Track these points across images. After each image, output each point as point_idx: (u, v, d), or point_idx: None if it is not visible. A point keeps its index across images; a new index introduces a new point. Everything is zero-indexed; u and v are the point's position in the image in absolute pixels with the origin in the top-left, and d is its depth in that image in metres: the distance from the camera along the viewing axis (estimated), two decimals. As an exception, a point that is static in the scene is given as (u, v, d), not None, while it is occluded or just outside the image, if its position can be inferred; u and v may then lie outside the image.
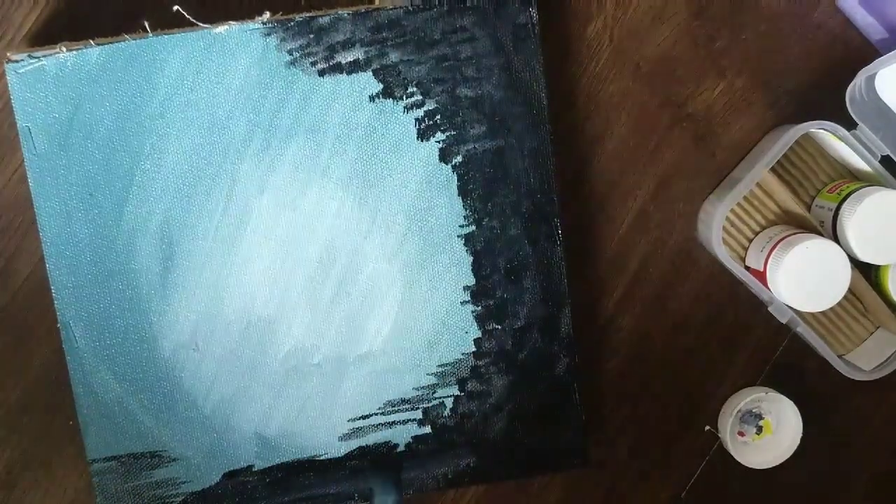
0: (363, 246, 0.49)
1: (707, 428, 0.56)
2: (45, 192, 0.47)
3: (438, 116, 0.49)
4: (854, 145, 0.52)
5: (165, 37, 0.47)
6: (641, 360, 0.56)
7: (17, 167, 0.51)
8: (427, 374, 0.50)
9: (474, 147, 0.49)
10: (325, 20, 0.47)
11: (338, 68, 0.48)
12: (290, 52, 0.47)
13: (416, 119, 0.49)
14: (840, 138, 0.51)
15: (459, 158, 0.49)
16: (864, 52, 0.55)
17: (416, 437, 0.50)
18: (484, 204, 0.49)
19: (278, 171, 0.48)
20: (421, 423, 0.50)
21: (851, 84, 0.51)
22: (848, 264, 0.50)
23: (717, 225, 0.51)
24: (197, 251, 0.48)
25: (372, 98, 0.48)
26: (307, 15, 0.48)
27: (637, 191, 0.55)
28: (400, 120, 0.49)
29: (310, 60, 0.48)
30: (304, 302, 0.49)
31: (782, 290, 0.50)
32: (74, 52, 0.46)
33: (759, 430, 0.55)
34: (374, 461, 0.49)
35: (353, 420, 0.50)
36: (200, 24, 0.47)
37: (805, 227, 0.53)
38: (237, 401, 0.49)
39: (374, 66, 0.48)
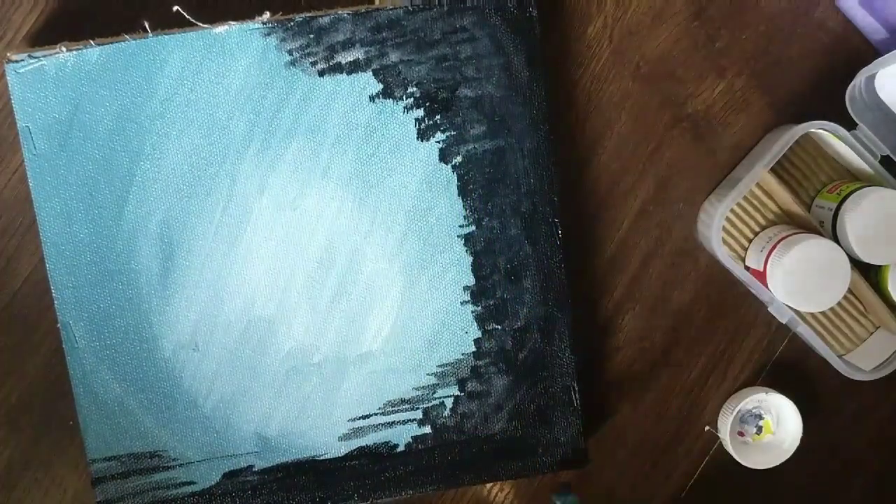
0: (363, 246, 0.49)
1: (707, 428, 0.56)
2: (45, 193, 0.47)
3: (438, 116, 0.49)
4: (854, 145, 0.52)
5: (165, 37, 0.47)
6: (641, 360, 0.56)
7: (17, 167, 0.51)
8: (427, 374, 0.50)
9: (474, 147, 0.49)
10: (325, 20, 0.47)
11: (338, 68, 0.48)
12: (290, 52, 0.47)
13: (416, 119, 0.49)
14: (840, 138, 0.51)
15: (459, 158, 0.49)
16: (864, 52, 0.55)
17: (416, 437, 0.50)
18: (484, 204, 0.49)
19: (278, 171, 0.48)
20: (421, 423, 0.50)
21: (851, 84, 0.51)
22: (848, 264, 0.50)
23: (717, 225, 0.51)
24: (197, 251, 0.48)
25: (372, 98, 0.48)
26: (307, 15, 0.48)
27: (637, 191, 0.55)
28: (400, 120, 0.49)
29: (310, 60, 0.48)
30: (304, 302, 0.49)
31: (782, 290, 0.50)
32: (74, 53, 0.46)
33: (760, 430, 0.55)
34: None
35: (353, 420, 0.50)
36: (200, 25, 0.47)
37: (805, 227, 0.53)
38: (237, 401, 0.49)
39: (374, 66, 0.48)
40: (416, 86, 0.48)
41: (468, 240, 0.50)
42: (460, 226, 0.49)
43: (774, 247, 0.51)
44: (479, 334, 0.50)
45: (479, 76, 0.49)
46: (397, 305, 0.50)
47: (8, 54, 0.46)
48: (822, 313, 0.55)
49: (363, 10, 0.48)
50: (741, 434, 0.56)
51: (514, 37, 0.49)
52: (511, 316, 0.50)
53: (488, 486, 0.55)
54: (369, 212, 0.49)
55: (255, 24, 0.47)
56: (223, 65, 0.47)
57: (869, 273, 0.54)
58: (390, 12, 0.48)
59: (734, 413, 0.54)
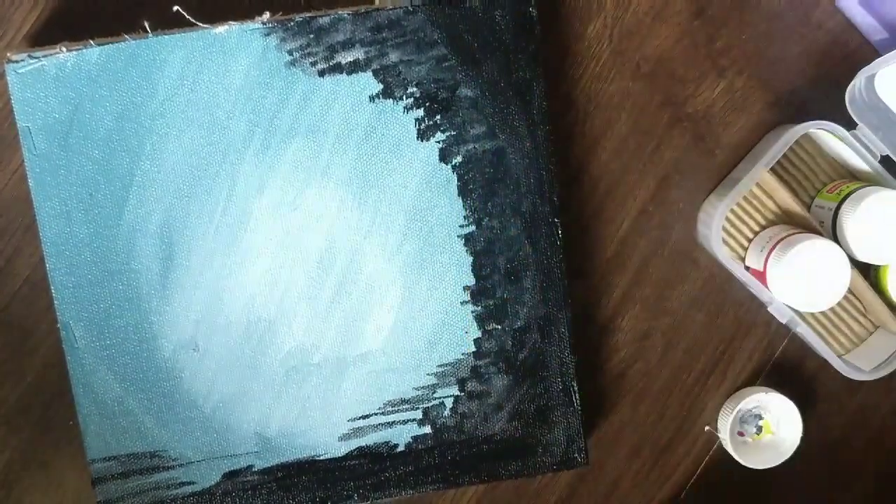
0: (363, 246, 0.49)
1: (707, 428, 0.56)
2: (44, 192, 0.47)
3: (438, 116, 0.49)
4: (854, 145, 0.52)
5: (165, 37, 0.47)
6: (641, 360, 0.56)
7: (16, 167, 0.51)
8: (427, 374, 0.50)
9: (474, 147, 0.49)
10: (325, 20, 0.47)
11: (338, 68, 0.48)
12: (290, 52, 0.47)
13: (416, 119, 0.49)
14: (840, 138, 0.51)
15: (459, 158, 0.49)
16: (864, 52, 0.55)
17: (416, 437, 0.50)
18: (484, 204, 0.49)
19: (278, 171, 0.48)
20: (421, 423, 0.50)
21: (851, 84, 0.51)
22: (847, 264, 0.50)
23: (716, 225, 0.51)
24: (197, 251, 0.48)
25: (372, 98, 0.48)
26: (307, 15, 0.48)
27: (637, 191, 0.55)
28: (400, 120, 0.49)
29: (310, 60, 0.48)
30: (304, 302, 0.49)
31: (782, 290, 0.50)
32: (74, 53, 0.46)
33: (759, 429, 0.55)
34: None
35: (353, 420, 0.50)
36: (200, 24, 0.47)
37: (805, 227, 0.53)
38: (237, 401, 0.49)
39: (374, 66, 0.48)
40: (416, 86, 0.49)
41: (468, 240, 0.50)
42: (460, 226, 0.49)
43: (774, 247, 0.51)
44: (479, 334, 0.50)
45: (479, 76, 0.49)
46: (397, 305, 0.50)
47: (8, 54, 0.46)
48: (822, 313, 0.55)
49: (363, 10, 0.48)
50: (741, 434, 0.56)
51: (514, 37, 0.49)
52: (511, 316, 0.50)
53: (488, 485, 0.55)
54: (369, 212, 0.49)
55: (255, 24, 0.47)
56: (223, 65, 0.47)
57: (869, 273, 0.54)
58: (390, 12, 0.48)
59: (734, 413, 0.54)
